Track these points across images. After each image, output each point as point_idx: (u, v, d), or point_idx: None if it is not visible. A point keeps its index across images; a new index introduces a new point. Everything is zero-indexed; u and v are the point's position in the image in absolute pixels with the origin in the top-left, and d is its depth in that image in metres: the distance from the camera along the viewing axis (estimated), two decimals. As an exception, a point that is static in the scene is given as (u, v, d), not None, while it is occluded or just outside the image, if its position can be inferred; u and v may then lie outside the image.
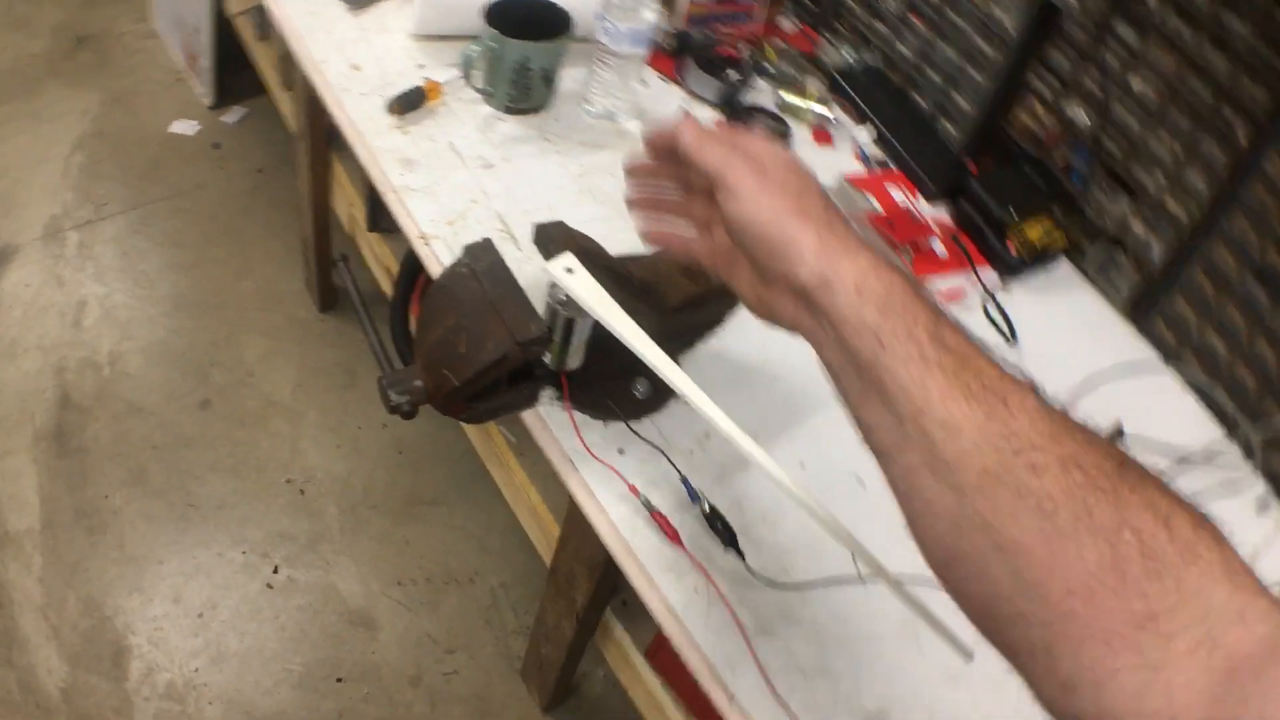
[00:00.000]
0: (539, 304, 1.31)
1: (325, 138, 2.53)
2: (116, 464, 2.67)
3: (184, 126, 3.47)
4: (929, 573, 1.36)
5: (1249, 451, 1.81)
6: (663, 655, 1.93)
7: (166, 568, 2.53)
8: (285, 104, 2.82)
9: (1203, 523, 0.74)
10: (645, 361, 1.21)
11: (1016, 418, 0.78)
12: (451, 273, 1.35)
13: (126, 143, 3.39)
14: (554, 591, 2.00)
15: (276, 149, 3.28)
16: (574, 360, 1.36)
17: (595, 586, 1.81)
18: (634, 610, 1.99)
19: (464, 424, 2.24)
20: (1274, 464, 1.79)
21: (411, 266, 2.27)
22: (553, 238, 1.32)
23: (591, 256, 1.29)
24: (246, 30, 2.97)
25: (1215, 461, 1.78)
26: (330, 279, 3.00)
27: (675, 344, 1.52)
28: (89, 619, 2.42)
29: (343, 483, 2.76)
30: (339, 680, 2.44)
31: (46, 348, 2.85)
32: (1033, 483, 0.75)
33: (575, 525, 1.77)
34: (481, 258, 1.34)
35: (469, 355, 1.28)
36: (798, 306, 0.92)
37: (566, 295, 1.24)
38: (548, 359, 1.35)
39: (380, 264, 2.54)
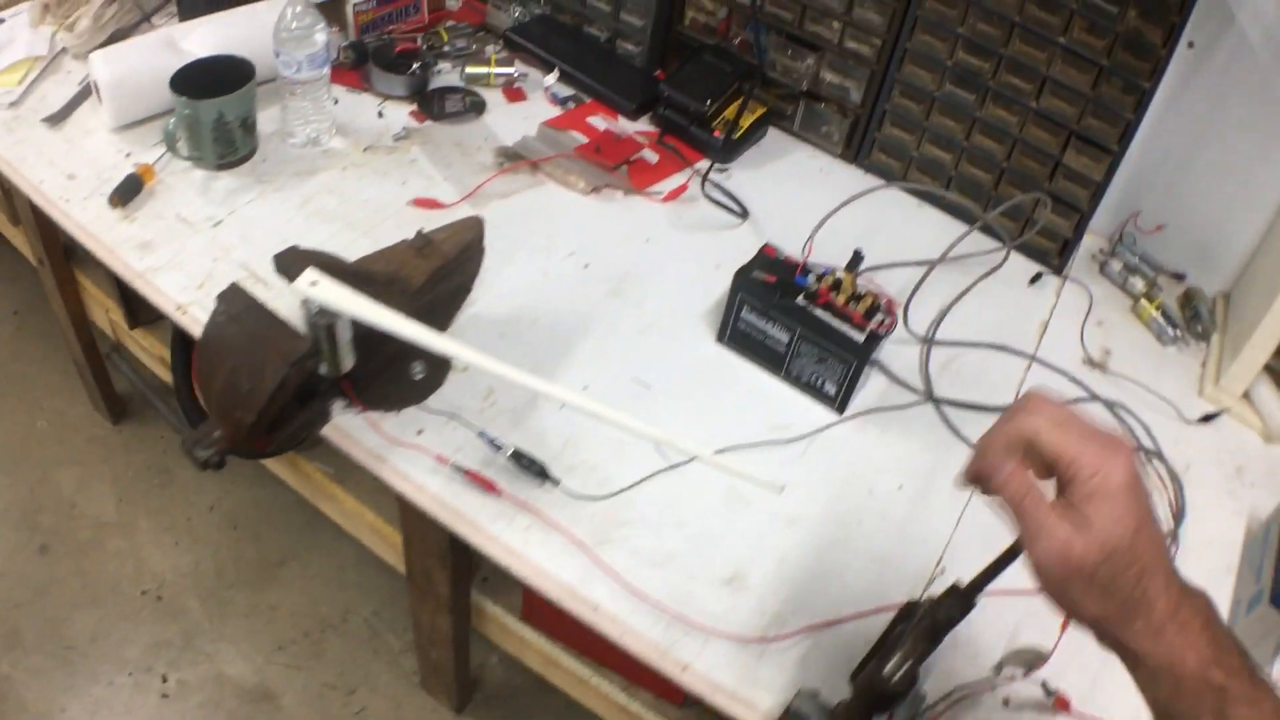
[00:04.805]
0: (300, 325, 1.41)
1: (64, 256, 2.57)
2: (-13, 634, 2.68)
3: (-73, 297, 3.44)
4: (720, 444, 1.49)
5: (997, 235, 1.97)
6: (536, 610, 2.01)
7: (70, 713, 2.54)
8: (19, 239, 2.84)
9: None
10: (406, 338, 1.32)
11: None
12: (212, 324, 1.44)
13: (-125, 334, 3.35)
14: (418, 594, 2.07)
15: (26, 286, 3.26)
16: (347, 362, 1.45)
17: (452, 572, 1.90)
18: (495, 582, 2.08)
19: (287, 477, 2.31)
20: (1031, 239, 1.97)
21: (182, 340, 2.33)
22: (290, 261, 1.42)
23: (328, 267, 1.39)
24: (-45, 186, 2.98)
25: (971, 254, 1.95)
26: (114, 390, 3.02)
27: (436, 318, 1.63)
28: (19, 790, 2.42)
29: (193, 575, 2.79)
30: (260, 758, 2.49)
31: None
32: None
33: (411, 522, 1.86)
34: (235, 301, 1.43)
35: (254, 390, 1.37)
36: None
37: (319, 306, 1.34)
38: (324, 370, 1.45)
39: (152, 355, 2.56)
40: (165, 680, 2.60)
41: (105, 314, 2.63)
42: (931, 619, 1.14)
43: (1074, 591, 0.91)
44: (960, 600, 1.12)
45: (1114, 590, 0.90)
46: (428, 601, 2.06)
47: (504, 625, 2.06)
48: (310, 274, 1.34)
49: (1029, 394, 0.99)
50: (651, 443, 1.36)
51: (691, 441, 1.37)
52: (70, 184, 1.93)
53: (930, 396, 1.72)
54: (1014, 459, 0.96)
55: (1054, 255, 1.97)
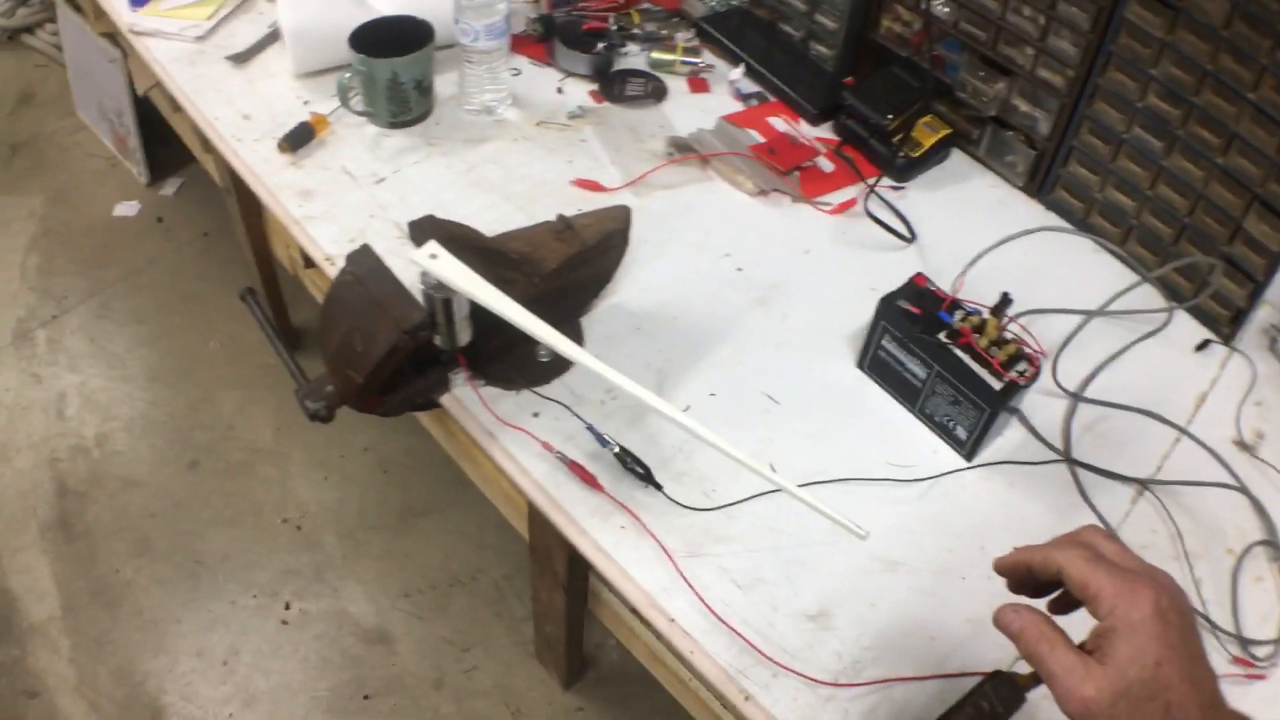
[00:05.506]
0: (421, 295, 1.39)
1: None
2: (120, 538, 2.74)
3: (126, 208, 3.54)
4: (838, 473, 1.43)
5: (1177, 296, 1.85)
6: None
7: (185, 625, 2.59)
8: (210, 165, 2.88)
9: None
10: (515, 323, 1.29)
11: None
12: (339, 282, 1.43)
13: (75, 235, 3.45)
14: (538, 569, 2.06)
15: (217, 210, 3.30)
16: (463, 337, 1.44)
17: (570, 553, 1.87)
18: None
19: (434, 431, 2.30)
20: (1203, 303, 1.84)
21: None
22: (424, 230, 1.41)
23: (461, 240, 1.38)
24: (162, 104, 3.03)
25: (1137, 310, 1.84)
26: (289, 321, 3.05)
27: (566, 304, 1.60)
28: (123, 688, 2.49)
29: (336, 511, 2.82)
30: (366, 697, 2.51)
31: (36, 443, 2.91)
32: None
33: (535, 498, 1.85)
34: (362, 263, 1.42)
35: (365, 352, 1.36)
36: None
37: (436, 279, 1.32)
38: (439, 342, 1.43)
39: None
40: (288, 608, 2.65)
41: (286, 250, 2.66)
42: (975, 707, 1.08)
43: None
44: (1008, 696, 1.07)
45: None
46: (546, 577, 2.05)
47: (618, 614, 2.03)
48: (431, 246, 1.32)
49: (1082, 528, 1.03)
50: (749, 464, 1.29)
51: (783, 472, 1.32)
52: (244, 123, 1.95)
53: (1068, 457, 1.62)
54: (1025, 613, 0.99)
55: (1225, 324, 1.84)
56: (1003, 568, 1.08)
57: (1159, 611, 0.90)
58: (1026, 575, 1.04)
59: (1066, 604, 1.05)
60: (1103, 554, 0.98)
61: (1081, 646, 0.96)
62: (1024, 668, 1.05)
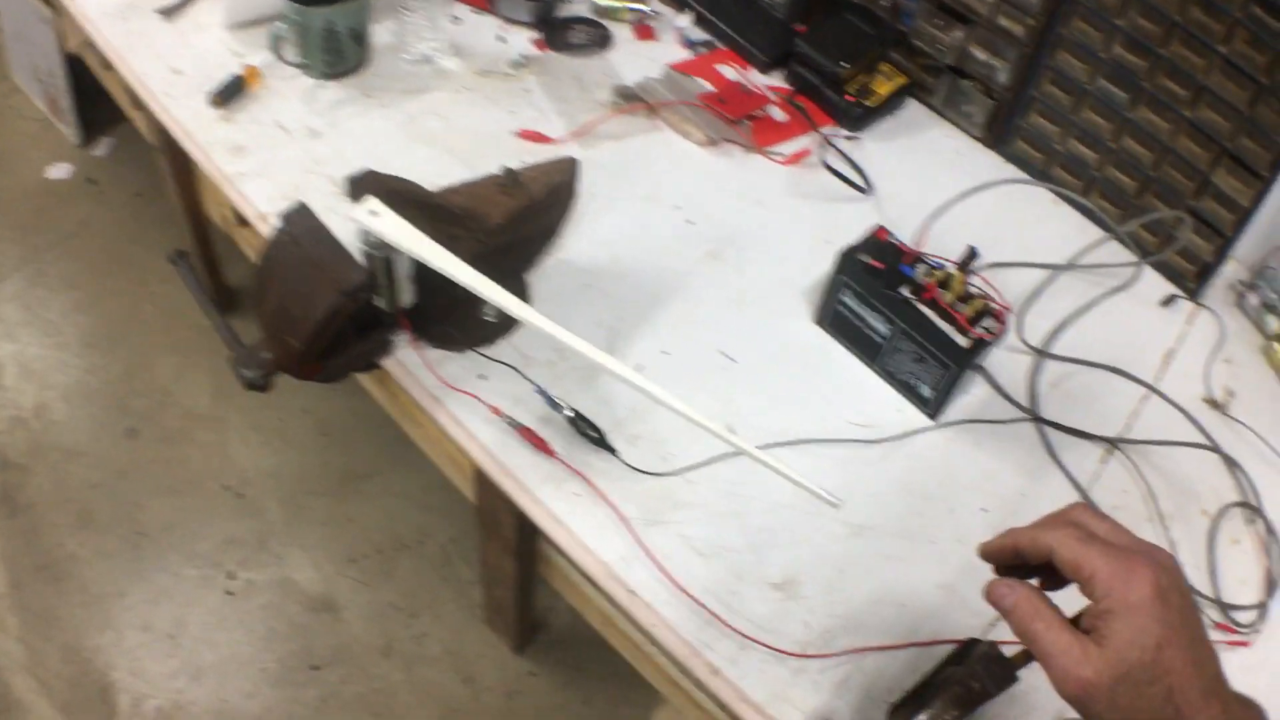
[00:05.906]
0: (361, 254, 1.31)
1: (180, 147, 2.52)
2: (63, 510, 2.65)
3: (58, 170, 3.42)
4: (800, 434, 1.37)
5: (1142, 250, 1.80)
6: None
7: (130, 599, 2.52)
8: (140, 123, 2.79)
9: None
10: (460, 282, 1.22)
11: None
12: (274, 242, 1.35)
13: (7, 201, 3.34)
14: (486, 532, 1.99)
15: (149, 170, 3.20)
16: (406, 297, 1.37)
17: (518, 519, 1.80)
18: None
19: (375, 392, 2.23)
20: (1169, 258, 1.79)
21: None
22: (363, 185, 1.32)
23: (403, 195, 1.30)
24: (94, 62, 2.93)
25: (1103, 264, 1.79)
26: (225, 282, 2.97)
27: (513, 261, 1.52)
28: (71, 665, 2.42)
29: (276, 477, 2.75)
30: (314, 668, 2.44)
31: (-26, 415, 2.82)
32: None
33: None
34: (299, 222, 1.34)
35: (303, 316, 1.28)
36: None
37: (377, 237, 1.24)
38: (381, 304, 1.35)
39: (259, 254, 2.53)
40: (233, 578, 2.58)
41: (218, 208, 2.57)
42: (965, 686, 1.02)
43: (1096, 711, 0.86)
44: (999, 674, 1.01)
45: (1139, 710, 0.85)
46: (494, 541, 1.98)
47: (567, 577, 1.96)
48: (371, 202, 1.24)
49: (1071, 506, 0.99)
50: (710, 428, 1.23)
51: (742, 433, 1.26)
52: (175, 78, 1.86)
53: (1034, 415, 1.57)
54: (1020, 589, 0.94)
55: (1191, 279, 1.79)
56: (989, 553, 1.02)
57: (1159, 592, 0.86)
58: (1014, 559, 0.99)
59: (1058, 579, 0.98)
60: (1095, 533, 0.93)
61: (1075, 622, 0.91)
62: (999, 635, 1.00)
